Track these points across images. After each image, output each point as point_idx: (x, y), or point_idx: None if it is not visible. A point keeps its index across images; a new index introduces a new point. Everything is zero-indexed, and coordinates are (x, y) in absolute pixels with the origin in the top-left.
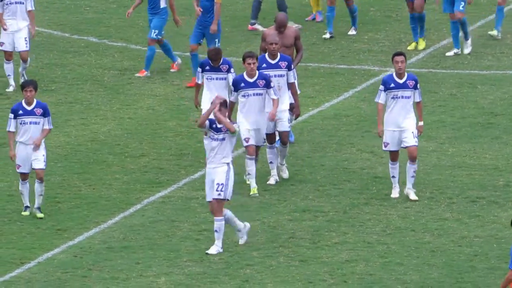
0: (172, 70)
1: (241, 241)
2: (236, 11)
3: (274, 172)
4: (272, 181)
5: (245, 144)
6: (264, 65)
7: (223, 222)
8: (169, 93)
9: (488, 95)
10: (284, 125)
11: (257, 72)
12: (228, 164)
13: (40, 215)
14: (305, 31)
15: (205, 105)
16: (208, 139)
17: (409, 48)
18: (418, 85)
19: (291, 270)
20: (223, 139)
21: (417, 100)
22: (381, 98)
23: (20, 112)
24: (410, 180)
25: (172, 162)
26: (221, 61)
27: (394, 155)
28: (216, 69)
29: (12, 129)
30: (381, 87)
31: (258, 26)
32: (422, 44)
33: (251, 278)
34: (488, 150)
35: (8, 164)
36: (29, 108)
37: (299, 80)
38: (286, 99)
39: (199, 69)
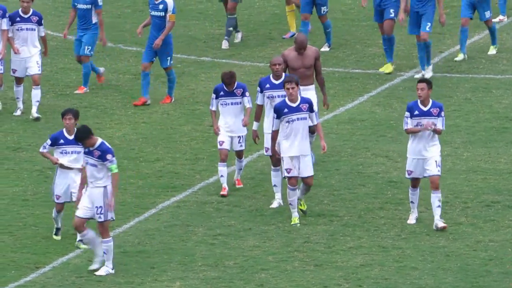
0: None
1: (92, 266)
2: (251, 15)
3: (278, 195)
4: (275, 204)
5: (286, 174)
6: (268, 85)
7: (111, 243)
8: (184, 98)
9: (503, 100)
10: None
11: (299, 96)
12: (105, 187)
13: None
14: (319, 35)
15: (221, 132)
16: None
17: (382, 69)
18: (443, 113)
19: (306, 274)
20: (95, 165)
21: (439, 127)
22: (408, 124)
23: (61, 141)
24: (436, 211)
25: (187, 166)
26: (236, 85)
27: (415, 182)
28: (230, 93)
29: (45, 151)
30: (407, 113)
31: (224, 42)
32: (389, 68)
33: (266, 282)
34: (503, 154)
35: (23, 169)
36: (70, 137)
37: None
38: None
39: (213, 95)
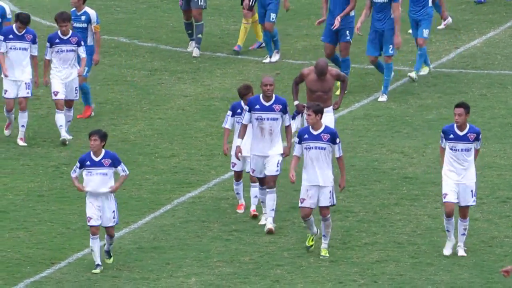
0: None
1: None
2: None
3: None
4: (263, 221)
5: (300, 204)
6: (257, 106)
7: None
8: (199, 94)
9: None
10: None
11: (323, 124)
12: None
13: (109, 261)
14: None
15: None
16: None
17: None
18: (480, 136)
19: (321, 270)
20: None
21: (476, 147)
22: (443, 143)
23: (88, 163)
24: (460, 238)
25: (202, 162)
26: None
27: (449, 210)
28: None
29: (75, 175)
30: (442, 134)
31: (195, 50)
32: None
33: (281, 278)
34: None
35: (39, 165)
36: (96, 159)
37: None
38: (279, 144)
39: (229, 113)
